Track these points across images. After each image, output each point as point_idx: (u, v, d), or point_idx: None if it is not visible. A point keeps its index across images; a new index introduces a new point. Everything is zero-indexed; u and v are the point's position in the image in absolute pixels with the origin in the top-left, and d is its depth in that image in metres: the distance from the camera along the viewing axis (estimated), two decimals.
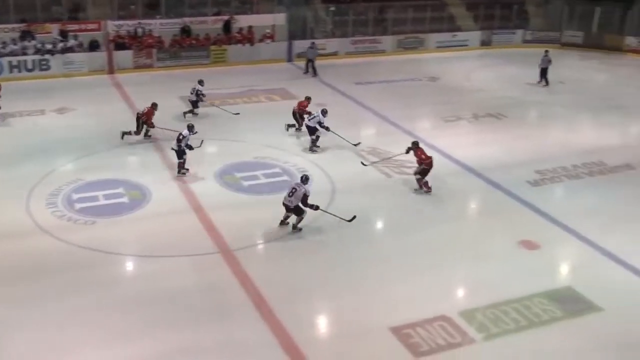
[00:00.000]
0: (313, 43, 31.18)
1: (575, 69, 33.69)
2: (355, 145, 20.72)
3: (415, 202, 17.43)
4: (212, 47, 31.39)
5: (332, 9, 35.27)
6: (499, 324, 12.34)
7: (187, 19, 31.98)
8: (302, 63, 31.15)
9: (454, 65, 33.24)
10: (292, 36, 33.51)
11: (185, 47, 31.13)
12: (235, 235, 15.20)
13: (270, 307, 12.57)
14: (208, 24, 32.29)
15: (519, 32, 38.13)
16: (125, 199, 16.96)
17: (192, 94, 23.25)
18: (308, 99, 22.25)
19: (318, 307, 13.05)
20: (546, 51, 30.51)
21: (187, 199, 17.12)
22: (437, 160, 19.61)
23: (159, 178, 18.20)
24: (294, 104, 22.53)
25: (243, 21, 32.80)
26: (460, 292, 13.83)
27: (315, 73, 30.03)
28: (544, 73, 29.74)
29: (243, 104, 25.30)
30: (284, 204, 15.24)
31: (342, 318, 12.64)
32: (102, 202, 16.77)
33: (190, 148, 18.26)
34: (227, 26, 32.38)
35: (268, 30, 32.84)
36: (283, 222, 15.61)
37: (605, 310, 12.88)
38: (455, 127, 23.52)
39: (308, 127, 20.55)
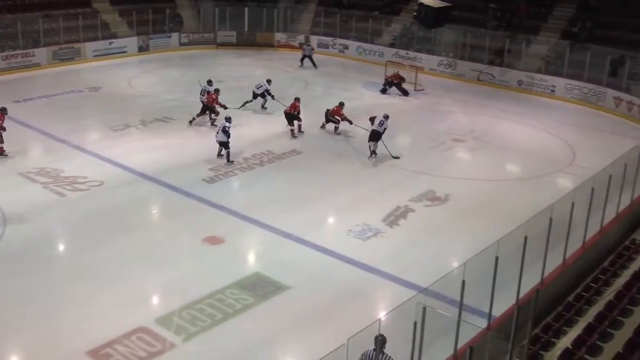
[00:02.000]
0: None
1: (233, 67, 35.18)
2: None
3: (95, 217, 16.78)
4: None
5: None
6: (196, 323, 12.46)
7: None
8: None
9: (115, 73, 32.60)
10: None
11: None
12: None
13: None
14: None
15: (175, 35, 38.59)
16: None
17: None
18: None
19: (4, 349, 11.96)
20: (306, 38, 35.11)
21: None
22: (111, 171, 19.30)
23: None
24: None
25: None
26: (154, 300, 13.70)
27: None
28: (311, 60, 34.46)
29: None
30: None
31: (34, 357, 11.76)
32: None
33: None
34: None
35: None
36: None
37: (293, 287, 13.70)
38: (125, 136, 23.10)
39: None
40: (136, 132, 23.62)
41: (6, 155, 20.26)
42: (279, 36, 40.14)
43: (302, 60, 35.65)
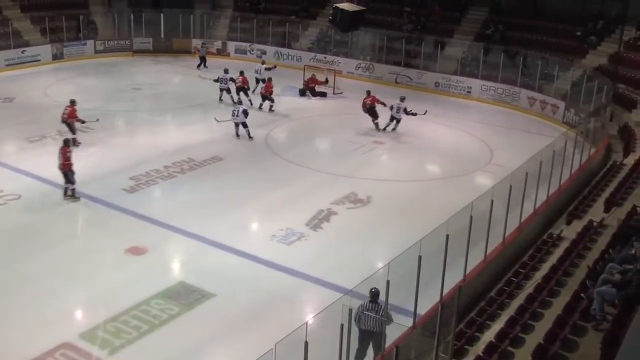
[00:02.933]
0: None
1: (150, 74, 34.61)
2: None
3: (13, 232, 16.21)
4: None
5: None
6: (121, 336, 12.22)
7: None
8: None
9: (29, 82, 31.56)
10: None
11: None
12: None
13: None
14: None
15: (90, 42, 37.66)
16: None
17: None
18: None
19: None
20: (203, 44, 36.72)
21: None
22: (28, 183, 18.80)
23: None
24: None
25: None
26: (78, 314, 13.37)
27: None
28: (203, 60, 35.33)
29: None
30: None
31: None
32: None
33: None
34: None
35: None
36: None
37: (218, 295, 13.61)
38: (42, 147, 22.37)
39: None
40: (53, 142, 22.80)
41: (78, 144, 21.72)
42: (196, 42, 39.71)
43: (200, 64, 35.90)
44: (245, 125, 23.45)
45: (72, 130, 22.73)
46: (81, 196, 18.26)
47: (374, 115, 25.34)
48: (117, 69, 35.08)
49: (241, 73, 27.81)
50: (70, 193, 18.12)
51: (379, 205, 18.51)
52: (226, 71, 28.14)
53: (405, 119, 25.00)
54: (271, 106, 27.34)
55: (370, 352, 11.08)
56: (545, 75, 29.54)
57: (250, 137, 23.52)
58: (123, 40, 38.93)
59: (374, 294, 10.86)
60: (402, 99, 25.13)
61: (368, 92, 26.07)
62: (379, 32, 35.02)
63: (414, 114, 24.91)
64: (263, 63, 29.99)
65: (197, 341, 12.25)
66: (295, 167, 21.39)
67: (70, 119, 22.69)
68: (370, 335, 10.97)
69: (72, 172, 18.12)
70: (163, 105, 28.22)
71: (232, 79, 27.82)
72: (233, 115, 23.59)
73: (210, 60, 36.19)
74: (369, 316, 10.88)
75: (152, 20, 39.55)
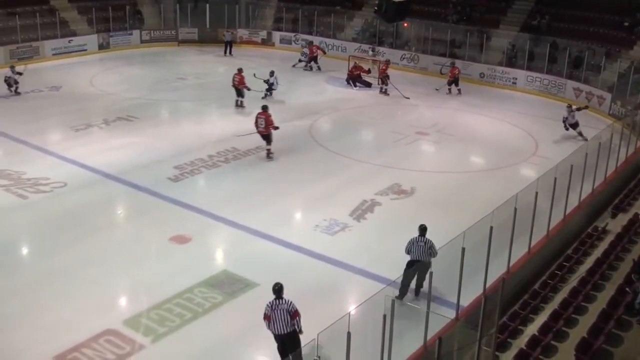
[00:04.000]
0: None
1: (195, 64, 34.93)
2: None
3: (59, 219, 16.53)
4: None
5: None
6: (165, 323, 12.38)
7: None
8: None
9: (75, 71, 32.14)
10: None
11: None
12: None
13: None
14: None
15: (136, 32, 38.16)
16: None
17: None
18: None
19: None
20: (227, 29, 37.13)
21: None
22: (74, 171, 19.13)
23: None
24: None
25: None
26: (122, 301, 13.59)
27: None
28: (229, 46, 36.58)
29: None
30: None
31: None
32: None
33: None
34: None
35: None
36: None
37: (261, 284, 13.63)
38: (87, 135, 22.82)
39: None
40: (99, 131, 23.35)
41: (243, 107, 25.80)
42: (242, 32, 39.95)
43: (225, 49, 36.91)
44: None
45: (242, 95, 26.28)
46: (127, 185, 18.55)
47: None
48: (163, 59, 35.50)
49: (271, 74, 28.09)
50: (271, 154, 20.85)
51: (423, 197, 18.42)
52: (272, 74, 27.92)
53: (445, 113, 24.76)
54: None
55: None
56: (593, 67, 29.03)
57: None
58: (169, 31, 39.34)
59: (423, 229, 13.29)
60: None
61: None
62: (424, 23, 34.72)
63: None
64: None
65: (240, 330, 12.35)
66: (339, 157, 21.38)
67: (240, 85, 26.07)
68: (418, 264, 12.87)
69: (271, 134, 20.76)
70: (208, 95, 28.42)
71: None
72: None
73: (255, 49, 36.34)
74: (419, 246, 13.09)
75: (198, 10, 39.91)
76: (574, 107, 23.93)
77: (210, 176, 19.58)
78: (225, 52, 36.81)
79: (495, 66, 32.24)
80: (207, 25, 39.89)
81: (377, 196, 18.17)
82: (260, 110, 21.03)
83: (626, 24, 30.65)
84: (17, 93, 27.05)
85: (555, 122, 25.02)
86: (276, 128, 20.77)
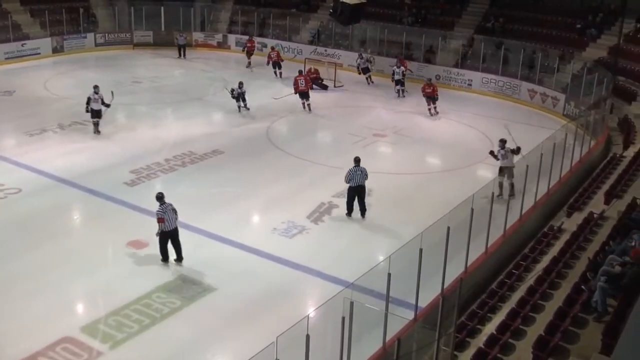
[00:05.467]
0: None
1: (151, 67, 34.62)
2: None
3: (14, 225, 16.23)
4: None
5: None
6: (123, 329, 12.25)
7: None
8: None
9: (28, 75, 31.59)
10: None
11: None
12: None
13: None
14: None
15: (90, 35, 37.74)
16: None
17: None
18: None
19: None
20: (181, 34, 37.19)
21: None
22: (28, 177, 18.82)
23: None
24: None
25: None
26: (79, 308, 13.40)
27: None
28: (182, 49, 36.42)
29: None
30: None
31: None
32: None
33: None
34: None
35: None
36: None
37: (219, 288, 13.62)
38: (42, 140, 22.43)
39: None
40: (54, 136, 22.97)
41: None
42: (197, 35, 39.74)
43: (179, 53, 36.90)
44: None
45: (280, 70, 32.30)
46: (82, 190, 18.27)
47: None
48: (118, 62, 35.14)
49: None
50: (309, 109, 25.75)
51: (380, 198, 18.49)
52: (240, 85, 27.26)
53: (402, 114, 24.91)
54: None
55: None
56: (546, 68, 29.53)
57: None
58: (123, 34, 38.98)
59: (357, 160, 17.18)
60: None
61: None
62: (380, 25, 34.93)
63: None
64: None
65: (199, 334, 12.26)
66: (296, 160, 21.38)
67: (278, 59, 32.19)
68: (358, 188, 16.99)
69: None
70: (163, 99, 28.20)
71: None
72: None
73: (210, 52, 36.19)
74: (357, 174, 16.87)
75: (152, 13, 39.57)
76: (507, 146, 18.31)
77: (167, 180, 19.39)
78: (179, 55, 36.52)
79: (450, 68, 32.58)
80: (162, 28, 39.60)
81: (335, 198, 18.20)
82: (297, 74, 27.26)
83: (578, 26, 31.32)
84: None
85: (510, 123, 25.35)
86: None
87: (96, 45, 37.88)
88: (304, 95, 26.79)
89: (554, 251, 14.29)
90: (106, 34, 38.47)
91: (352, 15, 26.65)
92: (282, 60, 33.16)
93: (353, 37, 36.12)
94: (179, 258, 14.61)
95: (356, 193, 16.96)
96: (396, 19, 36.30)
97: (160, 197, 14.53)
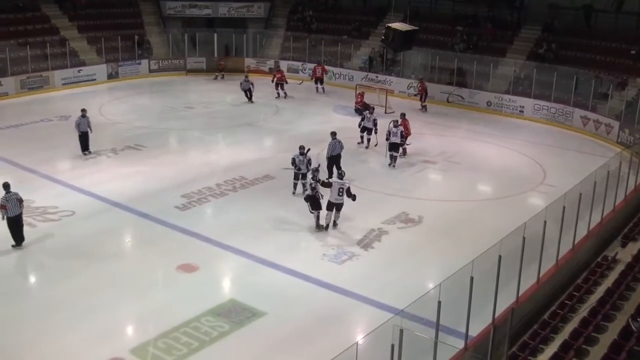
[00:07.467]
0: None
1: (203, 93, 35.13)
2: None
3: (67, 247, 16.59)
4: None
5: None
6: (172, 352, 12.34)
7: None
8: None
9: (84, 100, 32.16)
10: None
11: None
12: None
13: None
14: None
15: (144, 62, 38.54)
16: None
17: None
18: None
19: None
20: (246, 75, 34.10)
21: None
22: (82, 200, 19.16)
23: None
24: None
25: None
26: (129, 330, 13.55)
27: None
28: (248, 94, 32.51)
29: None
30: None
31: None
32: None
33: None
34: None
35: None
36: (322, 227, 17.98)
37: (268, 313, 13.63)
38: (96, 164, 22.92)
39: None
40: (107, 160, 23.44)
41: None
42: (249, 61, 40.26)
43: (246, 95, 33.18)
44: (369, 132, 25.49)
45: (284, 90, 33.49)
46: (134, 214, 18.58)
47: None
48: (171, 88, 35.78)
49: None
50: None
51: (430, 225, 18.37)
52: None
53: (452, 141, 24.64)
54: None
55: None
56: (600, 95, 29.08)
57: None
58: (177, 60, 39.68)
59: (334, 133, 21.64)
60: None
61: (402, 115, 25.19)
62: (431, 52, 34.91)
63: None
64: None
65: (248, 359, 12.28)
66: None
67: (282, 79, 33.83)
68: (337, 157, 21.17)
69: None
70: (215, 124, 28.57)
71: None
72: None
73: (262, 78, 36.60)
74: (335, 146, 21.23)
75: (205, 40, 40.28)
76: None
77: (217, 205, 19.60)
78: (247, 99, 33.00)
79: (502, 94, 32.30)
80: (215, 55, 40.22)
81: (385, 225, 18.13)
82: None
83: (633, 52, 30.73)
84: None
85: (562, 151, 25.05)
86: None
87: (150, 71, 38.67)
88: (321, 81, 34.30)
89: (608, 282, 13.96)
90: (160, 61, 39.23)
91: (404, 41, 26.74)
92: (287, 82, 33.94)
93: (404, 64, 36.15)
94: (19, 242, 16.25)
95: (335, 161, 21.28)
96: (447, 45, 36.23)
97: (6, 186, 16.15)
